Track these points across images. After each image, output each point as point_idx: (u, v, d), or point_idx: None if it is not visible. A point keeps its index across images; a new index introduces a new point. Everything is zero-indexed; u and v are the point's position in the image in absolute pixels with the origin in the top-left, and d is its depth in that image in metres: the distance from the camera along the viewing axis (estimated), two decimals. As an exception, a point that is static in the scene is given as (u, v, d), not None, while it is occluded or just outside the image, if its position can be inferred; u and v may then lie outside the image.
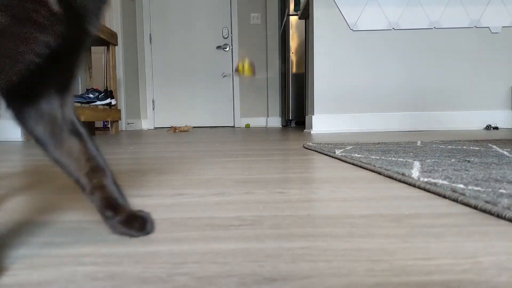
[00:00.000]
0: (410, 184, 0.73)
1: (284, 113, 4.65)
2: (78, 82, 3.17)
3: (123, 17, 4.00)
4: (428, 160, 1.00)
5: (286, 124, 4.58)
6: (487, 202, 0.54)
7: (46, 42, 0.33)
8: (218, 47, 4.66)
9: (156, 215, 0.54)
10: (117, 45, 3.29)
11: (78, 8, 0.35)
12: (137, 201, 0.64)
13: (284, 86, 4.64)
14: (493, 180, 0.70)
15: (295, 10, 4.21)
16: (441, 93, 2.85)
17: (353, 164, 1.03)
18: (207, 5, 4.63)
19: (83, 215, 0.55)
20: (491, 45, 2.83)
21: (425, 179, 0.72)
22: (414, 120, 2.84)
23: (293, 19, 4.26)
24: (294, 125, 4.44)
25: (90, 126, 3.23)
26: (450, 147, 1.37)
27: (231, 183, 0.79)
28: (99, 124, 4.59)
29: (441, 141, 1.65)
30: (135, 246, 0.42)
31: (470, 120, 2.85)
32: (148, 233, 0.46)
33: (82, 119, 2.58)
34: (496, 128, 2.79)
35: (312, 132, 2.75)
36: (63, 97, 0.43)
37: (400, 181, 0.77)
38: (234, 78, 4.68)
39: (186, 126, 3.65)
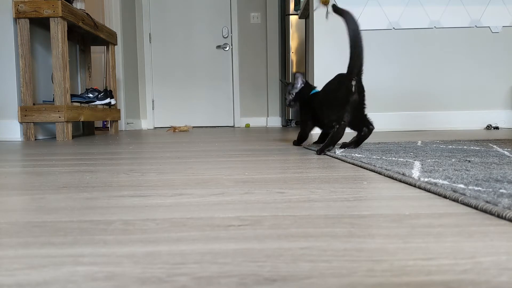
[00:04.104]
0: (410, 184, 0.73)
1: (284, 113, 4.65)
2: (78, 81, 3.16)
3: (122, 17, 3.99)
4: (429, 160, 1.00)
5: (286, 124, 4.57)
6: (487, 202, 0.53)
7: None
8: (218, 46, 4.66)
9: (156, 215, 0.54)
10: (116, 44, 3.29)
11: None
12: (137, 201, 0.63)
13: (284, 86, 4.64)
14: (494, 180, 0.70)
15: (295, 9, 4.21)
16: (442, 93, 2.85)
17: (353, 164, 1.03)
18: (207, 4, 4.63)
19: (83, 215, 0.55)
20: (491, 45, 2.83)
21: (426, 179, 0.72)
22: (414, 120, 2.83)
23: (293, 19, 4.26)
24: (294, 125, 4.44)
25: (89, 126, 3.23)
26: (450, 147, 1.37)
27: (231, 183, 0.79)
28: (98, 124, 4.59)
29: (441, 141, 1.65)
30: (135, 246, 0.42)
31: (471, 120, 2.85)
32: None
33: (82, 119, 2.58)
34: (497, 128, 2.79)
35: (312, 132, 2.75)
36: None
37: (400, 181, 0.77)
38: (234, 77, 4.68)
39: (185, 126, 3.65)
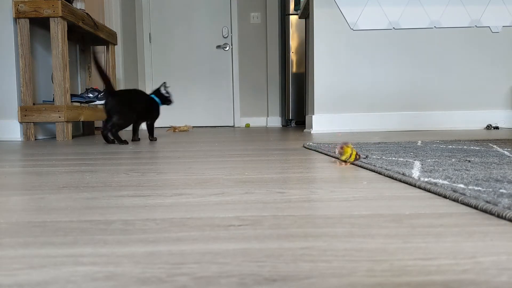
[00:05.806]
0: (410, 184, 0.73)
1: (284, 113, 4.65)
2: (78, 81, 3.16)
3: (122, 17, 3.99)
4: (429, 160, 1.00)
5: (286, 124, 4.57)
6: (487, 202, 0.53)
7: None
8: (218, 46, 4.66)
9: (156, 215, 0.54)
10: (116, 44, 3.29)
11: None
12: (137, 201, 0.63)
13: (284, 86, 4.64)
14: (494, 180, 0.70)
15: (295, 9, 4.21)
16: (442, 93, 2.85)
17: (353, 164, 1.03)
18: (207, 4, 4.63)
19: (83, 215, 0.55)
20: (491, 45, 2.83)
21: (426, 179, 0.72)
22: (414, 120, 2.83)
23: (293, 19, 4.26)
24: (294, 125, 4.44)
25: (89, 126, 3.23)
26: (450, 146, 1.37)
27: (231, 183, 0.79)
28: (98, 124, 4.58)
29: (441, 140, 1.65)
30: (135, 246, 0.42)
31: (471, 120, 2.85)
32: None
33: (82, 119, 2.58)
34: (497, 127, 2.79)
35: (312, 132, 2.75)
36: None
37: (400, 181, 0.77)
38: (234, 77, 4.68)
39: (185, 125, 3.65)
